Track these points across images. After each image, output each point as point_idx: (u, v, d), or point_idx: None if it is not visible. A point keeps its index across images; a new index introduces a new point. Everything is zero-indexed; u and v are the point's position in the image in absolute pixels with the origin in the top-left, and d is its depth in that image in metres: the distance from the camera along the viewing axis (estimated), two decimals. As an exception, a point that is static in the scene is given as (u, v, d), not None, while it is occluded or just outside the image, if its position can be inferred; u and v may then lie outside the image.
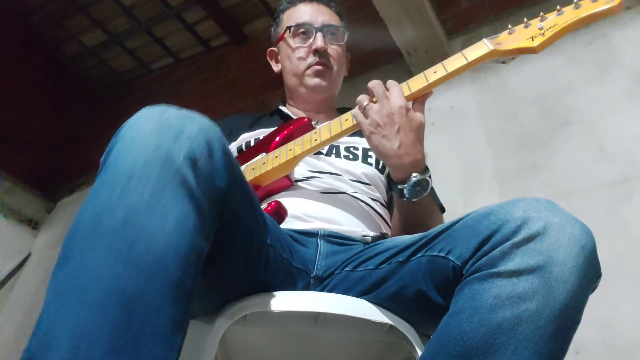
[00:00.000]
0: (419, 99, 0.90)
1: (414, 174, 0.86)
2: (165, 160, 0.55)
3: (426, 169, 0.89)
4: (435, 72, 0.89)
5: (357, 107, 0.91)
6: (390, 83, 0.90)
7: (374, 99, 0.90)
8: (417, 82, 0.90)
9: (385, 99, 0.87)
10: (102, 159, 0.58)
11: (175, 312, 0.51)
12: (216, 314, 0.76)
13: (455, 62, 0.87)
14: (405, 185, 0.87)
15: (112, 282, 0.48)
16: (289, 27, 1.23)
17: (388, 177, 0.92)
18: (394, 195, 0.94)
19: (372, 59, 2.35)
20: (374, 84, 0.89)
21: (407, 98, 0.89)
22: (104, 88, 3.76)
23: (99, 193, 0.54)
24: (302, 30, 1.22)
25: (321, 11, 1.24)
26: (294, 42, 1.22)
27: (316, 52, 1.18)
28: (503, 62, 2.05)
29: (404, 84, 0.90)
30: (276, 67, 1.31)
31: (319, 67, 1.19)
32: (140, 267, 0.49)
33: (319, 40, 1.18)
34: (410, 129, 0.86)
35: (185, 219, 0.54)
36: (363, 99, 0.90)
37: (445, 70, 0.88)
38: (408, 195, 0.87)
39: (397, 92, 0.87)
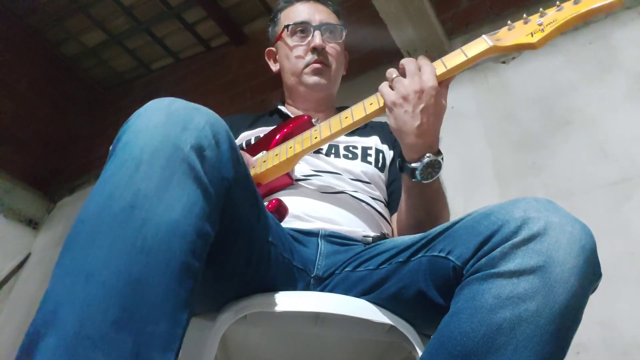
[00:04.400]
0: (443, 83, 0.87)
1: (427, 154, 0.85)
2: (172, 149, 0.56)
3: (439, 152, 0.88)
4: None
5: (385, 82, 0.89)
6: (423, 61, 0.88)
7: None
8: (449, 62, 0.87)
9: (416, 75, 0.85)
10: (110, 148, 0.59)
11: (181, 292, 0.52)
12: (216, 314, 0.76)
13: (454, 58, 0.87)
14: (418, 164, 0.86)
15: (118, 264, 0.49)
16: (286, 26, 1.22)
17: (400, 157, 0.90)
18: (404, 179, 0.92)
19: (372, 59, 2.34)
20: (407, 61, 0.87)
21: None
22: (104, 88, 3.76)
23: (108, 180, 0.55)
24: (300, 28, 1.21)
25: (319, 9, 1.24)
26: (292, 41, 1.22)
27: (314, 50, 1.18)
28: (503, 62, 2.05)
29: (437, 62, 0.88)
30: (274, 67, 1.31)
31: (317, 65, 1.18)
32: (147, 251, 0.50)
33: (317, 38, 1.18)
34: (435, 112, 0.85)
35: (192, 205, 0.55)
36: (392, 71, 0.88)
37: (445, 67, 0.87)
38: (420, 176, 0.86)
39: (430, 71, 0.85)
